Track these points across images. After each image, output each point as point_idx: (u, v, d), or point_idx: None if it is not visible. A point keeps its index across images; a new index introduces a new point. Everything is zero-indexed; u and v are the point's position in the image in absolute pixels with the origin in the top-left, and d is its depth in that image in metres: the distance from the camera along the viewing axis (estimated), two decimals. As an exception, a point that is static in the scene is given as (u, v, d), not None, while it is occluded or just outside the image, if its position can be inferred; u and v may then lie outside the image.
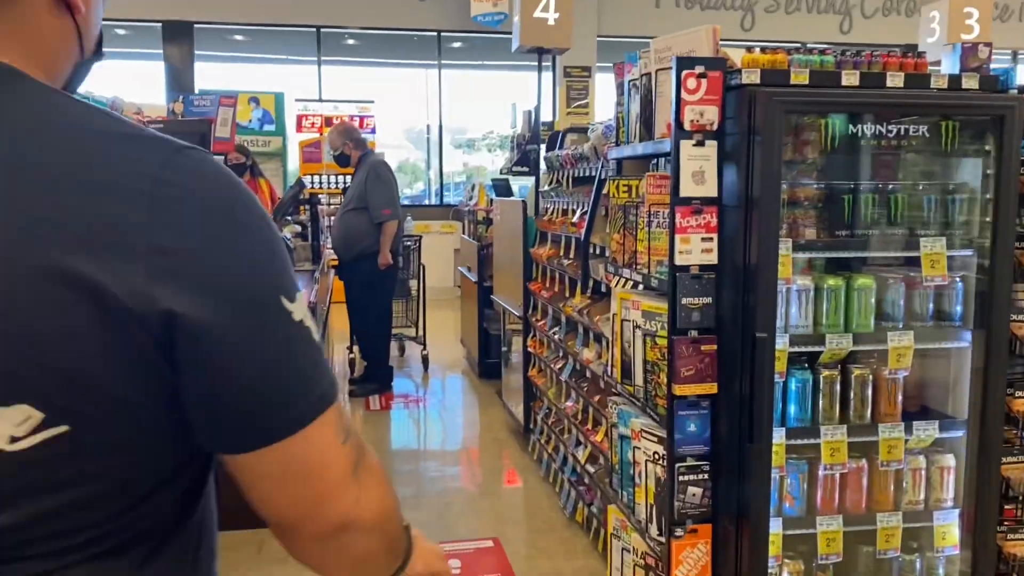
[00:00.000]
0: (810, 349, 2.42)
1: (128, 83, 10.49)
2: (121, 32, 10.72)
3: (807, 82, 2.34)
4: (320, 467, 0.77)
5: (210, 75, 10.80)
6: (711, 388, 2.39)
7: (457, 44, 11.84)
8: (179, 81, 10.44)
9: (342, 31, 11.15)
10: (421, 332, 7.04)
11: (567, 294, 4.21)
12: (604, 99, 11.28)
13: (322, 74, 11.12)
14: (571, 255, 4.15)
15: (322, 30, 10.88)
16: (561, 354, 4.24)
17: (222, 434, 0.75)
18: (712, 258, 2.36)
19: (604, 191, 3.66)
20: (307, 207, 5.45)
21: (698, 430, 2.41)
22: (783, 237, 2.33)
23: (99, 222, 0.67)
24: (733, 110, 2.33)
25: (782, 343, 2.35)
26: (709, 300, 2.37)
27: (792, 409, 2.43)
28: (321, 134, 10.01)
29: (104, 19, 0.86)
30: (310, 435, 0.76)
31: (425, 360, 6.99)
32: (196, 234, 0.70)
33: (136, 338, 0.68)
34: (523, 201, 4.91)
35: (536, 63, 5.43)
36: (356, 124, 9.33)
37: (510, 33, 10.35)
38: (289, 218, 6.31)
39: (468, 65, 12.19)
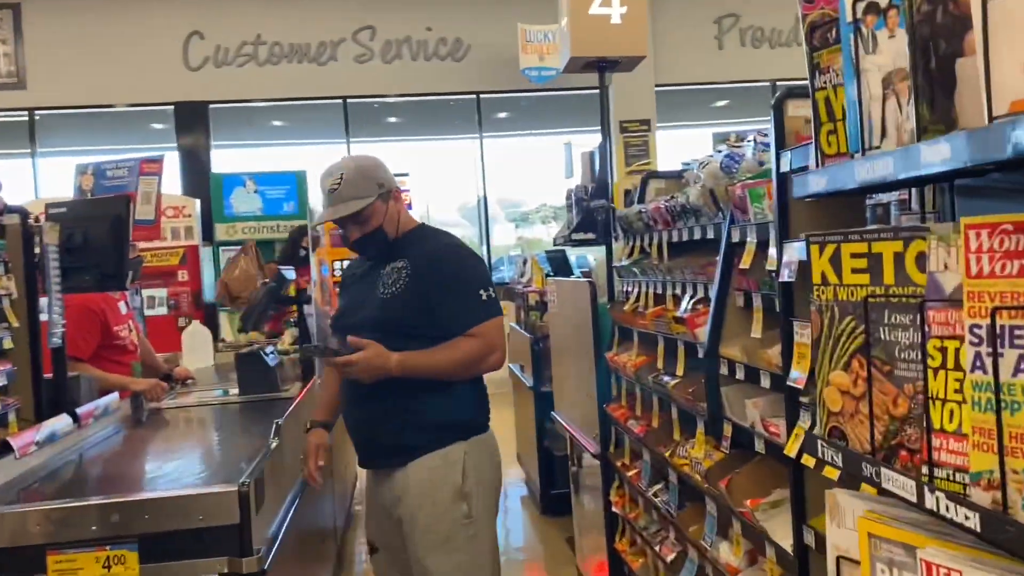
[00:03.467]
0: None
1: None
2: (159, 126, 9.58)
3: None
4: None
5: (231, 161, 9.55)
6: None
7: (503, 114, 10.42)
8: (194, 168, 9.19)
9: (373, 102, 9.84)
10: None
11: (676, 434, 2.50)
12: (667, 158, 9.68)
13: (352, 150, 9.77)
14: (677, 370, 2.46)
15: (349, 101, 9.57)
16: (673, 536, 2.52)
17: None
18: None
19: (739, 263, 2.01)
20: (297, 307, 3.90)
21: None
22: None
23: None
24: None
25: None
26: None
27: None
28: (349, 214, 8.60)
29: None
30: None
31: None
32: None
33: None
34: (589, 282, 3.26)
35: (596, 93, 3.84)
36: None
37: (559, 90, 8.87)
38: (288, 319, 4.76)
39: (512, 134, 10.73)
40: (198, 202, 8.07)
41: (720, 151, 2.48)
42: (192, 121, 9.22)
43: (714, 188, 2.21)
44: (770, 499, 1.86)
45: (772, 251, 1.73)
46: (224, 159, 9.51)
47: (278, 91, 9.26)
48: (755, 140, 2.31)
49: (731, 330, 2.08)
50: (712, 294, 2.14)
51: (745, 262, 1.95)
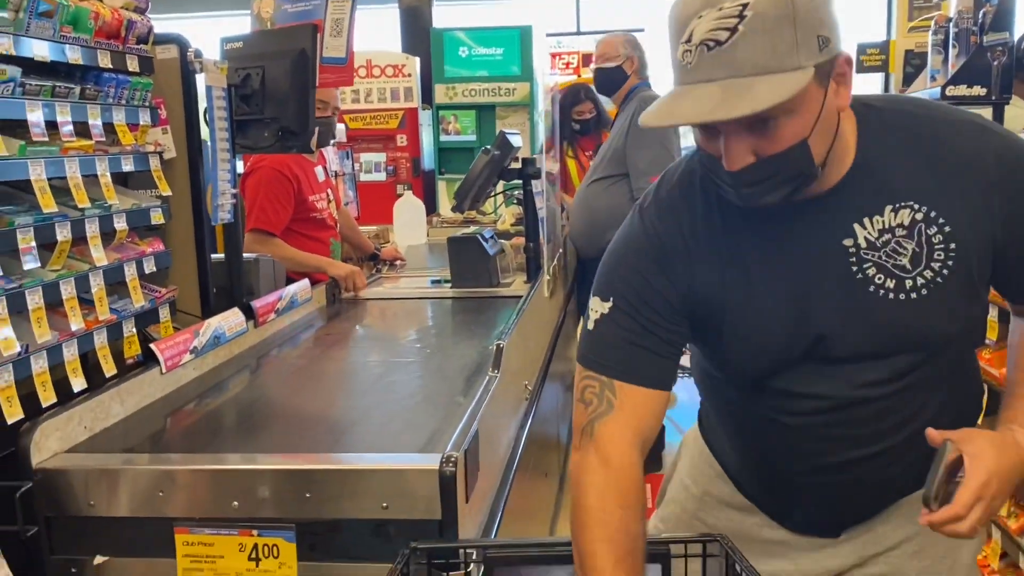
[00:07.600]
0: None
1: (365, 32, 8.74)
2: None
3: None
4: None
5: (454, 19, 8.74)
6: None
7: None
8: (415, 27, 8.48)
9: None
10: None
11: None
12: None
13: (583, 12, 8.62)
14: None
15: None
16: None
17: None
18: None
19: None
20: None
21: None
22: None
23: None
24: None
25: None
26: None
27: None
28: (577, 75, 7.58)
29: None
30: None
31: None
32: None
33: None
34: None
35: None
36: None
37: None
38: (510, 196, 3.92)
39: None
40: (418, 60, 7.37)
41: None
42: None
43: None
44: None
45: None
46: (446, 17, 8.72)
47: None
48: None
49: None
50: None
51: None
